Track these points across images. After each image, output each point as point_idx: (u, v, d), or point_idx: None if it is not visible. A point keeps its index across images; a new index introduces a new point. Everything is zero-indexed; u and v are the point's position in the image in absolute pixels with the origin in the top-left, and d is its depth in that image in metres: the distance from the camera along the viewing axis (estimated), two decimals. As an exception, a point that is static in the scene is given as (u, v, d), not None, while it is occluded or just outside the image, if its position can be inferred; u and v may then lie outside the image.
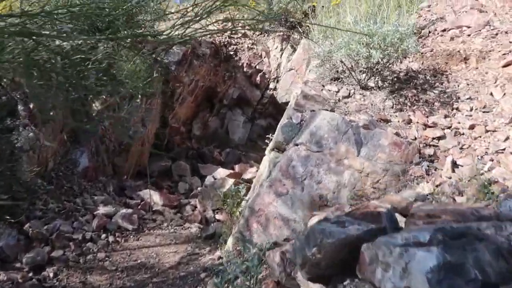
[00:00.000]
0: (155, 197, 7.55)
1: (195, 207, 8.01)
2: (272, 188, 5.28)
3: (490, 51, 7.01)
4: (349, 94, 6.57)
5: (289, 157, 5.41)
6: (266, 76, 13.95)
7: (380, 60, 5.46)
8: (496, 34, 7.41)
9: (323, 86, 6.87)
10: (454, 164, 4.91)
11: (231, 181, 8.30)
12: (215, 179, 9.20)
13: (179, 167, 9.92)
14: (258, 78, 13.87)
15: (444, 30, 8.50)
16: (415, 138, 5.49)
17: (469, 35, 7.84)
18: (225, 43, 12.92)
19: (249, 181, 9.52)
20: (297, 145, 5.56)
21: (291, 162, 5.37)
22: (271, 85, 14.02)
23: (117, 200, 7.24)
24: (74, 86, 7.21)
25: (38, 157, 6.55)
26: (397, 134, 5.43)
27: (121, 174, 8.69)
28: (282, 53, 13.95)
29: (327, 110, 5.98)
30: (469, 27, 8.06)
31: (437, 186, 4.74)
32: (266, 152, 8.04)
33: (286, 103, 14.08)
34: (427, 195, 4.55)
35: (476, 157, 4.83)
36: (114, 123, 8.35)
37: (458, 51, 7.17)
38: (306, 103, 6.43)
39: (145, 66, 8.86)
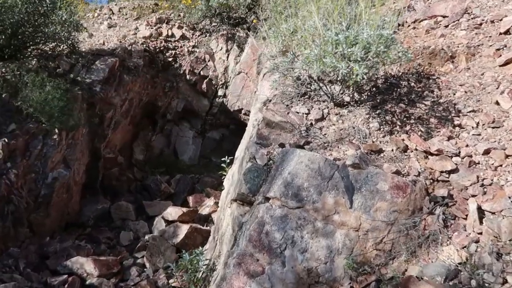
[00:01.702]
0: (88, 267, 5.91)
1: (143, 267, 6.44)
2: (241, 267, 3.88)
3: (478, 45, 5.97)
4: (323, 115, 5.27)
5: (260, 220, 4.02)
6: (213, 82, 12.42)
7: (364, 76, 4.18)
8: (480, 24, 6.40)
9: (289, 107, 5.53)
10: (480, 211, 3.75)
11: (185, 228, 6.81)
12: (165, 221, 7.66)
13: (120, 209, 8.25)
14: (204, 86, 12.31)
15: (415, 22, 7.41)
16: (419, 174, 4.30)
17: (447, 26, 6.79)
18: (161, 48, 11.25)
19: (207, 218, 8.08)
20: (267, 199, 4.19)
21: (263, 227, 3.99)
22: (220, 92, 12.52)
23: (34, 281, 5.53)
24: None
25: None
26: (397, 172, 4.19)
27: (43, 233, 6.91)
28: (228, 55, 12.47)
29: (301, 145, 4.64)
30: (444, 17, 7.01)
31: (464, 247, 3.55)
32: (223, 201, 6.63)
33: (239, 111, 12.67)
34: (459, 267, 3.34)
35: (509, 198, 3.69)
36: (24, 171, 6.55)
37: (442, 48, 6.08)
38: (271, 133, 5.07)
39: (59, 92, 7.09)
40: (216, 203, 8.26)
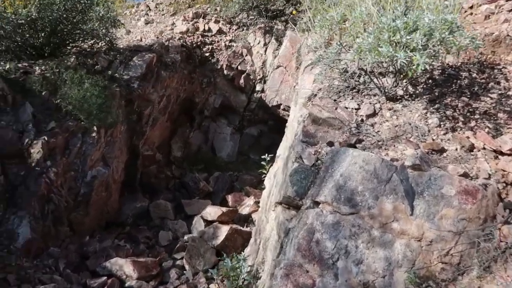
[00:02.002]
0: (127, 269, 5.77)
1: (183, 269, 6.24)
2: (289, 279, 3.54)
3: (551, 30, 5.31)
4: (374, 110, 4.83)
5: (309, 227, 3.66)
6: (251, 77, 12.13)
7: (427, 67, 3.72)
8: (551, 7, 5.72)
9: (336, 102, 5.12)
10: None
11: (225, 229, 6.55)
12: (205, 221, 7.45)
13: (159, 208, 8.12)
14: (241, 81, 12.04)
15: (472, 7, 6.77)
16: (489, 176, 3.79)
17: (510, 11, 6.13)
18: (198, 43, 11.05)
19: (247, 218, 7.80)
20: (317, 203, 3.82)
21: (313, 235, 3.63)
22: (258, 87, 12.21)
23: (74, 282, 5.43)
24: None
25: (-49, 245, 4.70)
26: (464, 175, 3.72)
27: (83, 232, 6.86)
28: (266, 48, 12.12)
29: (352, 143, 4.23)
30: (507, 0, 6.34)
31: (552, 263, 3.05)
32: (264, 201, 6.31)
33: (277, 106, 12.30)
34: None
35: None
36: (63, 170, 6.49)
37: (507, 35, 5.46)
38: (318, 130, 4.69)
39: (98, 89, 7.00)
40: (257, 203, 7.97)
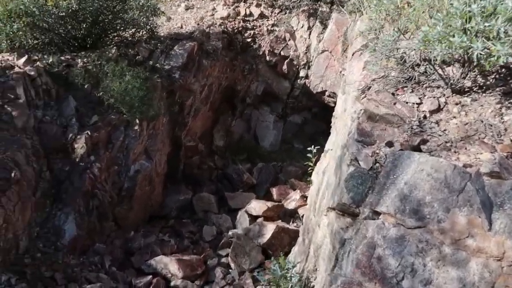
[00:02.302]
0: (172, 268, 5.68)
1: (228, 268, 6.07)
2: (347, 298, 3.22)
3: None
4: (439, 105, 4.33)
5: (370, 241, 3.30)
6: (294, 62, 11.65)
7: (509, 59, 3.20)
8: None
9: (394, 96, 4.64)
10: None
11: (271, 227, 6.30)
12: (249, 215, 7.23)
13: (202, 201, 7.98)
14: (284, 67, 11.59)
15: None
16: None
17: None
18: (239, 29, 10.69)
19: (293, 213, 7.51)
20: (377, 213, 3.45)
21: (374, 250, 3.27)
22: (302, 73, 11.72)
23: (119, 281, 5.39)
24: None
25: (-1, 243, 4.73)
26: (555, 184, 3.20)
27: (128, 227, 6.84)
28: (310, 32, 11.57)
29: (415, 145, 3.78)
30: None
31: None
32: (312, 198, 5.94)
33: (322, 93, 11.78)
34: None
35: None
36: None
37: None
38: (374, 128, 4.26)
39: (139, 81, 6.86)
40: (303, 197, 7.66)
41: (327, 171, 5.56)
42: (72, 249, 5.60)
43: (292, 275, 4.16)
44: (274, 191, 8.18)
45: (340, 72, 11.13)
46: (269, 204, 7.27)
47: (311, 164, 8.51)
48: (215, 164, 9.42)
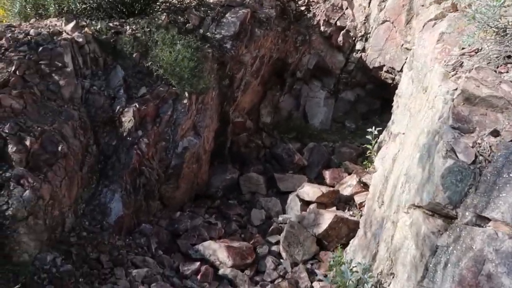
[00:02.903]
0: (221, 255, 5.34)
1: (279, 258, 5.67)
2: (446, 321, 2.69)
3: None
4: (557, 88, 3.60)
5: (477, 254, 2.74)
6: (351, 34, 10.82)
7: None
8: None
9: (498, 72, 3.94)
10: None
11: (328, 216, 5.81)
12: (301, 200, 6.77)
13: (250, 181, 7.58)
14: (340, 38, 10.80)
15: None
16: None
17: None
18: (293, -4, 9.98)
19: (349, 200, 6.97)
20: (484, 219, 2.86)
21: (482, 265, 2.71)
22: (358, 46, 10.90)
23: (166, 265, 5.10)
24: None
25: (45, 221, 4.50)
26: None
27: (173, 206, 6.56)
28: (370, 0, 10.68)
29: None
30: None
31: None
32: (376, 187, 5.33)
33: (379, 68, 10.92)
34: None
35: None
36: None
37: None
38: (473, 112, 3.63)
39: (190, 51, 6.40)
40: (360, 183, 7.09)
41: (400, 158, 4.96)
42: (118, 229, 5.35)
43: (366, 281, 3.65)
44: (327, 174, 7.64)
45: (402, 45, 10.24)
46: (324, 189, 6.76)
47: (370, 147, 7.91)
48: (262, 143, 8.95)
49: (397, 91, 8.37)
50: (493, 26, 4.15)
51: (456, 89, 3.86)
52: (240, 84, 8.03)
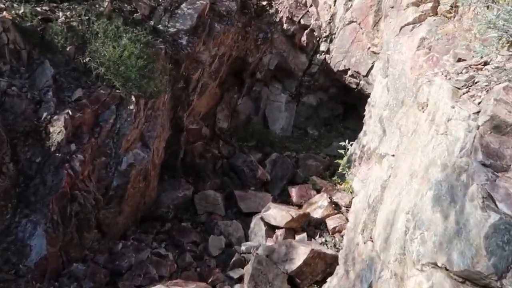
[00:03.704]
0: (174, 302, 4.31)
1: (244, 301, 4.78)
2: None
3: None
4: None
5: None
6: (315, 33, 10.12)
7: None
8: None
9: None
10: None
11: (303, 251, 4.98)
12: (266, 224, 5.91)
13: (206, 200, 6.60)
14: (303, 38, 10.08)
15: None
16: None
17: None
18: (255, -12, 9.08)
19: (319, 223, 6.22)
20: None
21: None
22: (322, 47, 10.24)
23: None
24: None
25: None
26: None
27: (115, 234, 5.44)
28: (336, -1, 10.04)
29: None
30: None
31: None
32: (357, 216, 4.58)
33: (344, 71, 10.29)
34: None
35: None
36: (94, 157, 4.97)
37: None
38: (505, 144, 2.99)
39: (138, 47, 5.31)
40: (332, 203, 6.36)
41: (392, 187, 4.22)
42: (40, 273, 4.19)
43: None
44: (294, 191, 6.85)
45: (369, 48, 9.68)
46: (293, 212, 5.94)
47: (340, 161, 7.21)
48: (220, 152, 7.99)
49: (369, 100, 7.75)
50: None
51: (479, 112, 3.16)
52: (196, 86, 7.01)
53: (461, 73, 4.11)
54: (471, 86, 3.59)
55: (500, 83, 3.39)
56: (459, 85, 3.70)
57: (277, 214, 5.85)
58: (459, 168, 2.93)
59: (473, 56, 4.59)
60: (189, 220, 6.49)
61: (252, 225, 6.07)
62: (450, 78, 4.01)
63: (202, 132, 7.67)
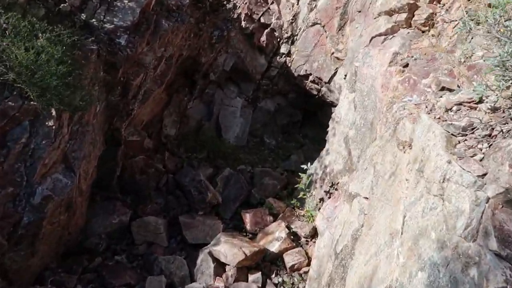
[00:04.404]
0: None
1: None
2: None
3: None
4: None
5: None
6: (276, 34, 9.34)
7: None
8: None
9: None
10: None
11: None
12: (215, 260, 5.12)
13: (146, 228, 5.69)
14: (263, 38, 9.29)
15: None
16: None
17: None
18: (212, -20, 8.11)
19: (275, 258, 5.51)
20: None
21: None
22: (283, 49, 9.51)
23: None
24: None
25: None
26: None
27: (27, 279, 4.43)
28: (300, -3, 9.30)
29: None
30: None
31: None
32: (321, 259, 3.87)
33: (305, 76, 9.60)
34: None
35: None
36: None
37: None
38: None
39: (60, 49, 4.30)
40: (290, 235, 5.67)
41: (366, 242, 3.55)
42: None
43: None
44: (248, 218, 6.10)
45: (332, 54, 9.05)
46: (247, 249, 5.19)
47: (300, 181, 6.52)
48: (164, 166, 7.06)
49: (333, 115, 7.09)
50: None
51: (484, 174, 2.51)
52: (137, 93, 6.04)
53: (451, 110, 3.50)
54: (470, 135, 2.96)
55: (505, 134, 2.77)
56: (453, 131, 3.06)
57: (228, 251, 5.07)
58: (465, 257, 2.27)
59: (458, 86, 4.01)
60: (124, 252, 5.58)
61: (198, 261, 5.26)
62: (439, 118, 3.38)
63: (145, 144, 6.70)
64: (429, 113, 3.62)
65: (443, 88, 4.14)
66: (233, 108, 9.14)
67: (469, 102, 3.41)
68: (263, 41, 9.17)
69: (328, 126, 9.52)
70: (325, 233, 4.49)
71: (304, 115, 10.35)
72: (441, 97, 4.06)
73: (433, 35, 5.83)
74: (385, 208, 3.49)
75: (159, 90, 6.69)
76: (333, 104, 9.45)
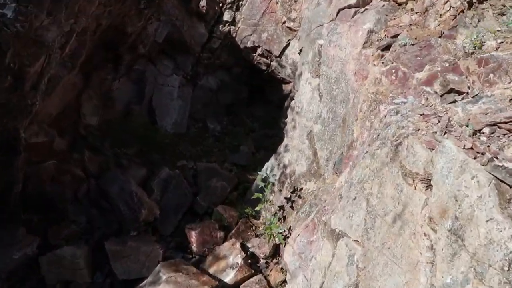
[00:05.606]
0: None
1: None
2: None
3: None
4: None
5: None
6: (217, -2, 7.97)
7: None
8: None
9: None
10: None
11: None
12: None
13: (60, 263, 4.39)
14: (202, 3, 7.88)
15: None
16: None
17: None
18: None
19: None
20: None
21: None
22: (226, 16, 8.21)
23: None
24: None
25: None
26: None
27: None
28: (246, -46, 7.93)
29: None
30: None
31: None
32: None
33: (253, 49, 8.38)
34: None
35: None
36: None
37: None
38: None
39: None
40: (247, 259, 4.69)
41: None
42: None
43: None
44: (194, 236, 5.03)
45: (284, 23, 7.90)
46: (194, 282, 4.13)
47: (259, 195, 5.46)
48: (84, 170, 5.69)
49: (293, 103, 6.00)
50: None
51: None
52: (39, 82, 4.55)
53: (481, 133, 2.57)
54: (497, 167, 2.05)
55: None
56: (504, 177, 2.12)
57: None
58: None
59: (468, 87, 3.09)
60: (31, 298, 4.29)
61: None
62: (471, 147, 2.43)
63: (54, 146, 5.28)
64: (446, 134, 2.69)
65: (451, 90, 3.23)
66: (169, 87, 7.79)
67: (507, 122, 2.50)
68: (203, 6, 7.80)
69: (277, 104, 8.51)
70: (299, 276, 3.53)
71: (250, 92, 9.23)
72: (450, 103, 3.15)
73: (412, 10, 4.87)
74: (393, 269, 2.57)
75: (71, 74, 5.21)
76: (284, 81, 8.42)
